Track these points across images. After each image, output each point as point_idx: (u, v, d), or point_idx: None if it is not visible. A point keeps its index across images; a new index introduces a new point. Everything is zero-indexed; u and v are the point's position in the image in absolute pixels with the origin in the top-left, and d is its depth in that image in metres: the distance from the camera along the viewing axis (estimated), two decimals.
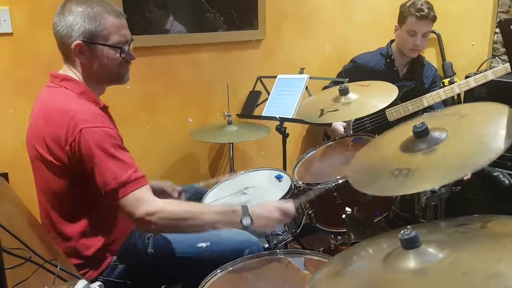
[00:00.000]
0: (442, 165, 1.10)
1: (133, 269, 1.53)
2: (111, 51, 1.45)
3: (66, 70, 1.48)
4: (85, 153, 1.33)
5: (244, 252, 1.57)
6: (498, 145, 1.04)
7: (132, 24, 2.13)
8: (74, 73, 1.47)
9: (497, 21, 2.87)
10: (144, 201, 1.35)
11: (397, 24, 2.60)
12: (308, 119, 2.01)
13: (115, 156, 1.35)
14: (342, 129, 2.49)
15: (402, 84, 2.59)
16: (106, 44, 1.44)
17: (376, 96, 1.86)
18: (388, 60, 2.66)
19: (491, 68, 2.47)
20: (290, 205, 1.55)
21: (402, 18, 2.55)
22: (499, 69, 2.36)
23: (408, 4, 2.53)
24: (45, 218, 1.51)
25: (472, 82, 2.43)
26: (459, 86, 2.46)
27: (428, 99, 2.51)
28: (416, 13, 2.47)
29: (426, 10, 2.47)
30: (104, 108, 1.52)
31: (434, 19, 2.51)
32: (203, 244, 1.58)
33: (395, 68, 2.66)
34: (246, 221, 1.44)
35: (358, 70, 2.66)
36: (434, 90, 2.56)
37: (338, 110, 1.85)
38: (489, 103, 1.26)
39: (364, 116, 2.58)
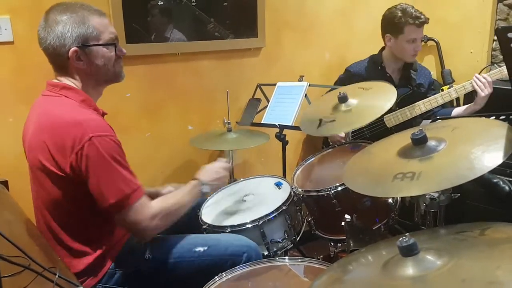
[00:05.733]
0: (445, 169, 1.12)
1: (132, 276, 1.53)
2: (105, 49, 1.47)
3: (63, 80, 1.49)
4: (94, 161, 1.34)
5: (242, 256, 1.58)
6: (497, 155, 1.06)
7: (132, 32, 2.16)
8: (72, 82, 1.48)
9: (495, 28, 2.88)
10: (148, 206, 1.44)
11: (389, 35, 2.58)
12: (307, 131, 2.01)
13: (124, 166, 1.40)
14: (343, 134, 2.49)
15: (398, 90, 2.59)
16: (99, 44, 1.45)
17: (375, 99, 1.85)
18: (379, 68, 2.66)
19: None
20: (222, 161, 1.81)
21: (398, 29, 2.52)
22: (494, 73, 2.38)
23: (399, 14, 2.50)
24: (43, 226, 1.51)
25: (469, 86, 2.44)
26: (456, 90, 2.47)
27: (425, 104, 2.52)
28: (416, 21, 2.47)
29: (422, 17, 2.48)
30: (103, 115, 1.53)
31: (428, 21, 2.53)
32: (201, 249, 1.59)
33: (388, 75, 2.66)
34: (206, 189, 1.67)
35: (352, 80, 2.64)
36: (432, 95, 2.57)
37: (334, 120, 1.84)
38: (491, 120, 1.27)
39: None
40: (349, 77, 2.70)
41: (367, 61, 2.73)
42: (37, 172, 1.46)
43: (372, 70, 2.68)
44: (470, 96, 2.57)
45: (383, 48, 2.70)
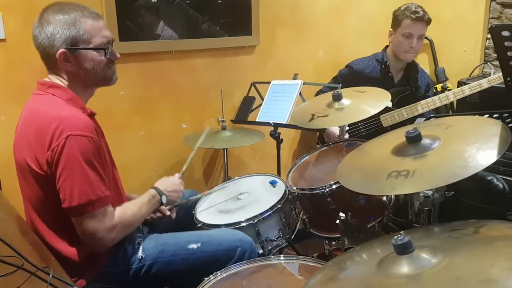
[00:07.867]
0: (439, 167, 1.12)
1: (125, 275, 1.52)
2: (95, 53, 1.46)
3: (52, 79, 1.48)
4: (66, 159, 1.32)
5: (236, 251, 1.57)
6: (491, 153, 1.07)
7: (125, 29, 2.15)
8: (61, 81, 1.48)
9: (488, 27, 2.89)
10: (110, 217, 1.41)
11: (391, 29, 2.64)
12: (299, 123, 2.02)
13: (97, 170, 1.38)
14: (338, 132, 2.50)
15: (397, 89, 2.61)
16: (89, 48, 1.44)
17: (369, 102, 1.87)
18: (383, 66, 2.68)
19: (483, 74, 2.50)
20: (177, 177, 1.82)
21: (397, 22, 2.59)
22: (493, 78, 2.38)
23: (402, 8, 2.58)
24: (30, 226, 1.49)
25: (467, 90, 2.46)
26: (454, 94, 2.49)
27: (423, 105, 2.53)
28: (412, 15, 2.52)
29: (421, 12, 2.53)
30: (92, 115, 1.52)
31: (429, 21, 2.55)
32: (194, 245, 1.58)
33: (390, 74, 2.68)
34: (164, 199, 1.66)
35: (353, 76, 2.67)
36: (427, 98, 2.58)
37: (327, 115, 1.86)
38: (485, 118, 1.28)
39: (359, 122, 2.59)
40: (351, 73, 2.72)
41: (370, 58, 2.75)
42: (22, 171, 1.45)
43: (376, 68, 2.70)
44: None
45: (386, 47, 2.72)
